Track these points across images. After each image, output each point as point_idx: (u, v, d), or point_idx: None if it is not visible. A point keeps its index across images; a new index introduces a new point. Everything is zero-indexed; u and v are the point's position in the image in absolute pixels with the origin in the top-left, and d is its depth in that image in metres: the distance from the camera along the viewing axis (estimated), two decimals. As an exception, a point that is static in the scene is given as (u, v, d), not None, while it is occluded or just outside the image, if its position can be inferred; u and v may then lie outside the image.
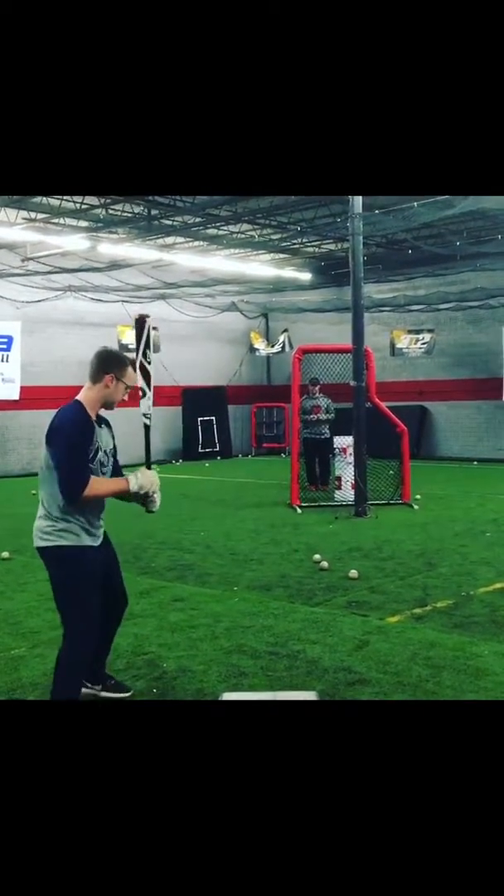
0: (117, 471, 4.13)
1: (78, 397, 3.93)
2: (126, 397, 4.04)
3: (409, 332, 20.16)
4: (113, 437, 4.14)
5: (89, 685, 4.35)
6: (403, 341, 20.14)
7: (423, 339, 19.93)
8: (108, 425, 4.11)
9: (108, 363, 3.93)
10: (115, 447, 4.14)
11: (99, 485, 3.85)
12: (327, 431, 13.26)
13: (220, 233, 18.11)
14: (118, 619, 4.37)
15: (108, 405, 3.98)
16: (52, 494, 3.87)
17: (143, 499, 4.04)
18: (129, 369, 3.99)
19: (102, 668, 4.46)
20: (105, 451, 3.99)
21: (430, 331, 19.88)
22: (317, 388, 13.34)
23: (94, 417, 3.91)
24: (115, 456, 4.12)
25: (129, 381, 3.98)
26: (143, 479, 3.96)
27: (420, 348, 19.99)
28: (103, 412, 4.03)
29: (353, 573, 7.38)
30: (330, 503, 12.05)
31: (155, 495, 4.05)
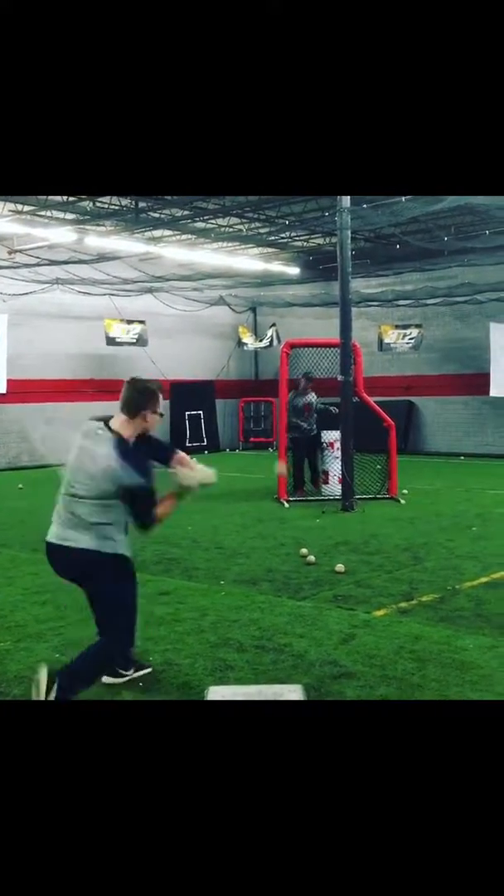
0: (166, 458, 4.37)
1: (118, 430, 4.06)
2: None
3: (397, 327, 20.15)
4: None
5: (122, 672, 4.59)
6: (391, 336, 20.12)
7: (411, 334, 19.92)
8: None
9: (146, 400, 4.12)
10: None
11: (163, 510, 4.16)
12: (315, 427, 12.63)
13: (208, 226, 18.05)
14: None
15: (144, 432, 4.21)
16: (119, 514, 4.06)
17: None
18: (160, 397, 4.18)
19: (132, 655, 4.70)
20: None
21: (417, 326, 19.87)
22: (309, 385, 12.53)
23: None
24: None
25: (160, 409, 4.18)
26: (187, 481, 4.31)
27: (407, 343, 19.98)
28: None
29: (340, 567, 7.39)
30: (317, 497, 12.06)
31: (199, 481, 4.33)
